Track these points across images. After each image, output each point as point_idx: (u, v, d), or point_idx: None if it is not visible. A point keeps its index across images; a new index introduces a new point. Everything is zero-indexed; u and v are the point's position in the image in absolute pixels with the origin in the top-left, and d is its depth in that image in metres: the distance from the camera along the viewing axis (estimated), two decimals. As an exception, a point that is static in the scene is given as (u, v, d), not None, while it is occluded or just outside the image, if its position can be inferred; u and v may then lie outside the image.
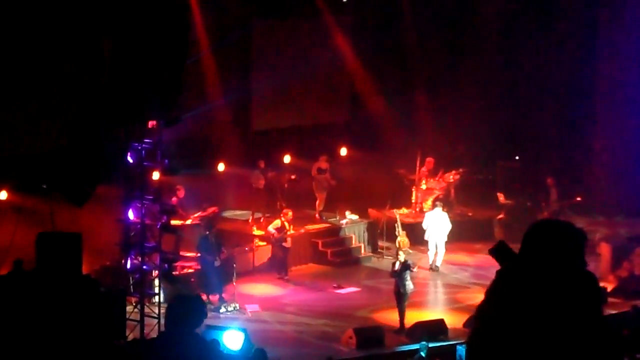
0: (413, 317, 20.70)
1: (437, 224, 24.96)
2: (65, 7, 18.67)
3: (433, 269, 24.75)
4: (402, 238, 25.98)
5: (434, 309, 22.06)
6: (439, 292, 23.45)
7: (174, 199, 22.77)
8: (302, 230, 24.32)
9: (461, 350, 18.51)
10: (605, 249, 24.03)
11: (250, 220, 25.32)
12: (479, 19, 30.13)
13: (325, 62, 28.86)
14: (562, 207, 26.82)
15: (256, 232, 25.07)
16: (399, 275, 20.48)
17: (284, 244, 23.38)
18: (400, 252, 21.37)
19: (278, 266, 23.57)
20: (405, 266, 20.54)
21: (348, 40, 29.34)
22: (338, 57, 29.32)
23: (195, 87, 24.84)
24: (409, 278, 20.48)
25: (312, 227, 25.45)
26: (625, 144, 29.50)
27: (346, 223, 26.27)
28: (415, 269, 21.32)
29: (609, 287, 22.32)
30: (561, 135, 29.94)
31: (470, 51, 30.22)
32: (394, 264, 20.96)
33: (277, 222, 23.63)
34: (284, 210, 23.94)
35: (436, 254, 24.97)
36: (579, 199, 26.83)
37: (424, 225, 25.18)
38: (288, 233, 23.48)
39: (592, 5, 29.46)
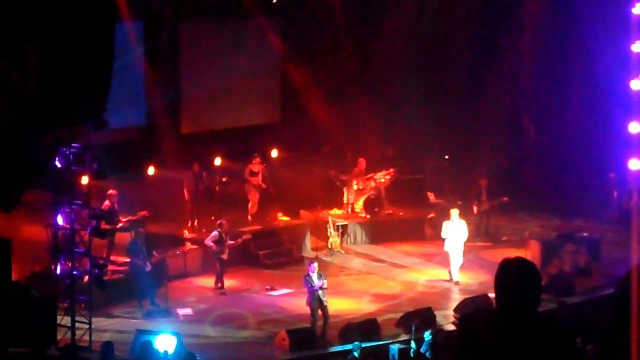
0: (338, 305, 20.78)
1: (456, 233, 23.39)
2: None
3: (455, 282, 23.39)
4: (334, 239, 26.10)
5: (367, 304, 22.15)
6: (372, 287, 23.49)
7: (107, 203, 22.53)
8: (240, 240, 23.82)
9: (394, 349, 18.64)
10: (534, 246, 24.32)
11: (189, 225, 25.28)
12: (406, 19, 30.33)
13: (255, 64, 28.82)
14: (491, 206, 27.12)
15: (187, 235, 24.95)
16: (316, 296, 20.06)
17: (222, 256, 23.07)
18: (317, 275, 20.28)
19: (216, 278, 23.19)
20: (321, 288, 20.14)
21: (278, 41, 29.33)
22: (268, 58, 29.31)
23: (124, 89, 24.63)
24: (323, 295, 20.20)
25: (244, 230, 25.34)
26: (555, 144, 29.99)
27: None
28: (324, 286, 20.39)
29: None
30: (491, 135, 30.26)
31: (398, 52, 30.41)
32: (306, 277, 20.26)
33: (214, 234, 23.11)
34: (220, 221, 23.51)
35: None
36: (506, 199, 27.11)
37: (444, 235, 23.51)
38: (227, 244, 23.12)
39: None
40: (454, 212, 23.59)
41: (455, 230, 23.38)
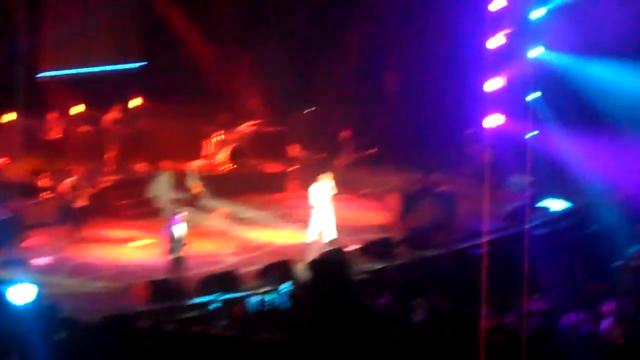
0: (198, 257, 20.79)
1: (325, 195, 22.08)
2: None
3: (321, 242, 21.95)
4: (195, 190, 25.98)
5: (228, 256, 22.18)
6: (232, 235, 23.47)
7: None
8: (94, 187, 23.53)
9: (254, 301, 18.75)
10: (394, 200, 24.68)
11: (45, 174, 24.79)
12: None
13: (117, 5, 28.23)
14: (356, 159, 27.35)
15: (44, 183, 24.44)
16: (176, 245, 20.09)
17: (77, 203, 22.69)
18: (182, 225, 20.17)
19: (70, 225, 22.80)
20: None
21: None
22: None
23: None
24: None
25: (103, 179, 25.00)
26: (416, 98, 30.38)
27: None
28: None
29: (397, 237, 22.98)
30: (357, 87, 30.50)
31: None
32: (169, 227, 20.17)
33: (68, 181, 22.77)
34: (75, 168, 23.16)
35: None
36: (372, 151, 27.38)
37: (312, 202, 22.02)
38: (81, 191, 22.76)
39: None
40: (324, 177, 22.28)
41: (323, 194, 22.34)
